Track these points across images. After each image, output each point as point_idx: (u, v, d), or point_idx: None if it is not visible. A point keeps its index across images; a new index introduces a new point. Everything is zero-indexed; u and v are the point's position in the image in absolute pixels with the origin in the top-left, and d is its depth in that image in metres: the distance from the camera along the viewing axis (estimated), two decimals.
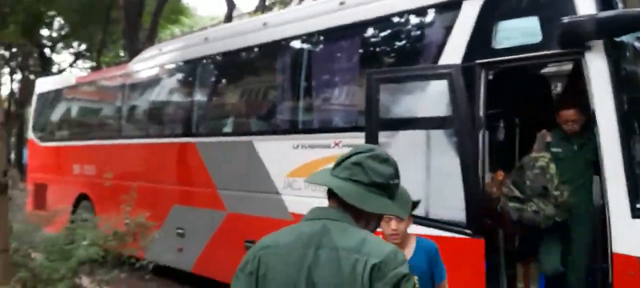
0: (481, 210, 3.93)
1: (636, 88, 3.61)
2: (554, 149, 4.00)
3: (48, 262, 3.98)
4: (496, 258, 4.10)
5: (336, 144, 4.86)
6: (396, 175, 1.58)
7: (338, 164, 1.58)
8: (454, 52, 4.09)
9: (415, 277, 1.45)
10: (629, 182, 3.30)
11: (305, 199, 5.08)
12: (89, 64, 24.56)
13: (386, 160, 1.57)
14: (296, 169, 5.24)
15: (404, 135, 4.26)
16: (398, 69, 4.50)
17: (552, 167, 3.84)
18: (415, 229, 3.87)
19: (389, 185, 1.55)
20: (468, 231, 3.86)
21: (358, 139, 4.49)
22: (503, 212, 4.00)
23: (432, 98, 4.19)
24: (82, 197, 8.32)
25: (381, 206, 1.54)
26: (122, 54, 20.74)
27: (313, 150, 5.07)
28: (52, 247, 4.17)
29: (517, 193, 3.91)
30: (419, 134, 4.17)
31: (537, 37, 3.72)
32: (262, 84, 6.38)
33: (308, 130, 5.43)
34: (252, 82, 6.53)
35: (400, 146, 4.18)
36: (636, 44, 3.63)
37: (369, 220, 1.57)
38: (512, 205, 3.90)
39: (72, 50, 25.15)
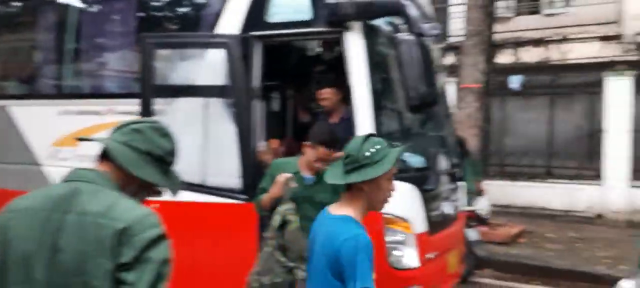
0: (255, 176, 4.10)
1: (386, 67, 4.11)
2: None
3: None
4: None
5: (109, 111, 4.56)
6: (173, 154, 1.60)
7: (118, 129, 1.56)
8: (232, 22, 4.14)
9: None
10: None
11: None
12: None
13: (167, 136, 1.59)
14: (63, 138, 4.79)
15: (181, 103, 4.20)
16: (175, 35, 4.38)
17: (296, 220, 3.18)
18: (194, 197, 3.92)
19: (164, 159, 1.56)
20: (243, 196, 4.00)
21: (133, 106, 4.30)
22: None
23: (209, 67, 4.19)
24: None
25: (153, 175, 1.53)
26: None
27: (82, 117, 4.69)
28: None
29: (283, 260, 3.18)
30: (195, 102, 4.16)
31: (305, 14, 3.95)
32: (21, 42, 5.63)
33: (76, 95, 4.99)
34: (8, 39, 5.71)
35: (177, 114, 4.11)
36: (386, 27, 4.11)
37: (138, 188, 1.55)
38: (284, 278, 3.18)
39: None
